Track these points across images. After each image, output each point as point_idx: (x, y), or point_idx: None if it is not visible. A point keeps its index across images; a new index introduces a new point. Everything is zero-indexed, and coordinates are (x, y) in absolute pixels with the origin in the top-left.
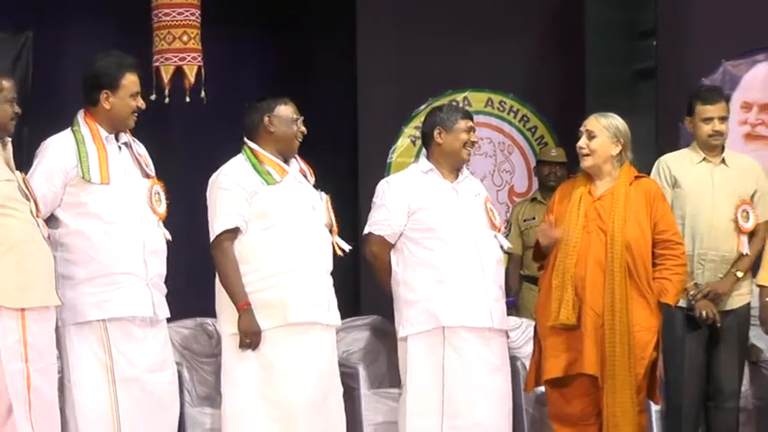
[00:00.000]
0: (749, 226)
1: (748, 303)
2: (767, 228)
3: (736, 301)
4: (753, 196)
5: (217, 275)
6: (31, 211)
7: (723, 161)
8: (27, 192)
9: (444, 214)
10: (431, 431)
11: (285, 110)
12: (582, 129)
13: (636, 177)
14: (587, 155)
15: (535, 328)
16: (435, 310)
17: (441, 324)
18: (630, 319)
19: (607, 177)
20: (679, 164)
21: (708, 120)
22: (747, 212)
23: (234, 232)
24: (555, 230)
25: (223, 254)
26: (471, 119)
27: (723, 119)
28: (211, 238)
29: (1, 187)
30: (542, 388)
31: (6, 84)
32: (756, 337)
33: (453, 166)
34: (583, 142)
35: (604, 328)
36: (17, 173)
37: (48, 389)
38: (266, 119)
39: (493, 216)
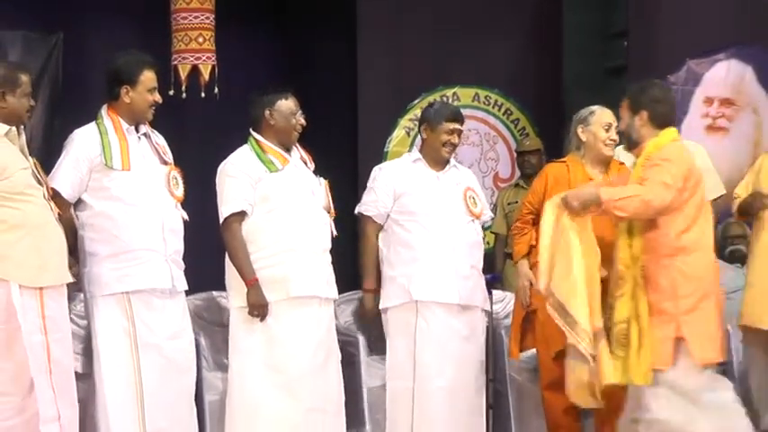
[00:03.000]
0: None
1: None
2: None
3: None
4: None
5: (226, 254)
6: (44, 195)
7: None
8: (40, 177)
9: (424, 200)
10: (406, 392)
11: (285, 104)
12: (611, 121)
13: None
14: (612, 147)
15: (516, 300)
16: (409, 286)
17: (413, 298)
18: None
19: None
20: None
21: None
22: None
23: (241, 215)
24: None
25: (231, 235)
26: (458, 121)
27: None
28: (221, 221)
29: (20, 175)
30: (528, 354)
31: (25, 78)
32: None
33: (435, 160)
34: (614, 135)
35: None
36: (30, 159)
37: (65, 357)
38: (267, 112)
39: (473, 204)
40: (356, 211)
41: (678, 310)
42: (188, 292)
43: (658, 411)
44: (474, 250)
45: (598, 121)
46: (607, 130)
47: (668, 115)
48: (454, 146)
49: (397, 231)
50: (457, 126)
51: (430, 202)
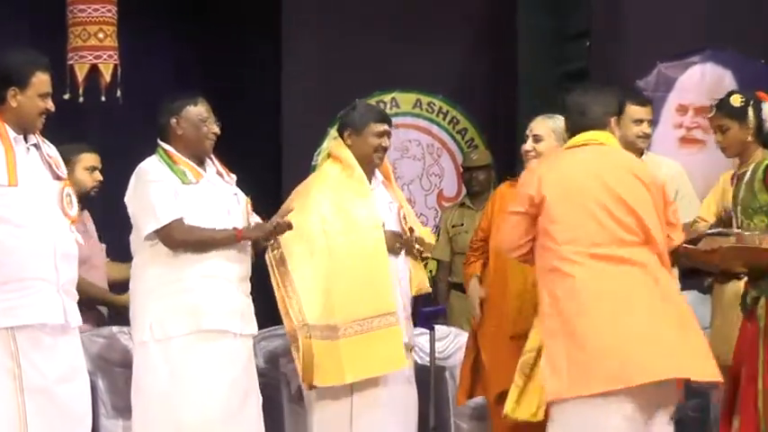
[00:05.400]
0: None
1: None
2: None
3: None
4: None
5: (132, 282)
6: None
7: None
8: None
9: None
10: None
11: (194, 110)
12: (528, 132)
13: None
14: (534, 158)
15: (469, 338)
16: None
17: None
18: None
19: None
20: None
21: (638, 121)
22: None
23: (180, 221)
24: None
25: (181, 234)
26: (387, 122)
27: (651, 122)
28: (150, 230)
29: None
30: (476, 401)
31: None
32: None
33: (365, 170)
34: (529, 145)
35: None
36: None
37: None
38: (174, 120)
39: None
40: None
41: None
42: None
43: None
44: (409, 281)
45: (529, 132)
46: (525, 141)
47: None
48: (385, 150)
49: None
50: (386, 127)
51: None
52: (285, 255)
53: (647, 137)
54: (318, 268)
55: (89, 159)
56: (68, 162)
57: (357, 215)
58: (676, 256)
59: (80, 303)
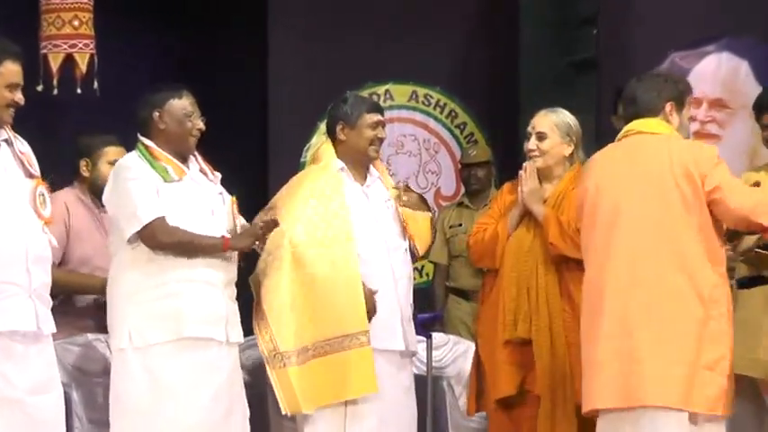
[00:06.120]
0: None
1: None
2: None
3: None
4: None
5: (109, 286)
6: None
7: None
8: None
9: (355, 222)
10: None
11: (177, 104)
12: (530, 128)
13: None
14: (538, 157)
15: (476, 349)
16: None
17: None
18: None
19: (556, 180)
20: None
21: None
22: None
23: (162, 219)
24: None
25: (165, 234)
26: (380, 112)
27: None
28: (133, 231)
29: None
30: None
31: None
32: None
33: (361, 165)
34: (533, 144)
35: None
36: None
37: None
38: (156, 114)
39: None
40: None
41: None
42: (56, 335)
43: None
44: (410, 283)
45: (531, 129)
46: (527, 139)
47: None
48: (381, 141)
49: None
50: (380, 117)
51: (362, 224)
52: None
53: None
54: (286, 283)
55: (114, 153)
56: (92, 154)
57: (328, 226)
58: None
59: (82, 309)
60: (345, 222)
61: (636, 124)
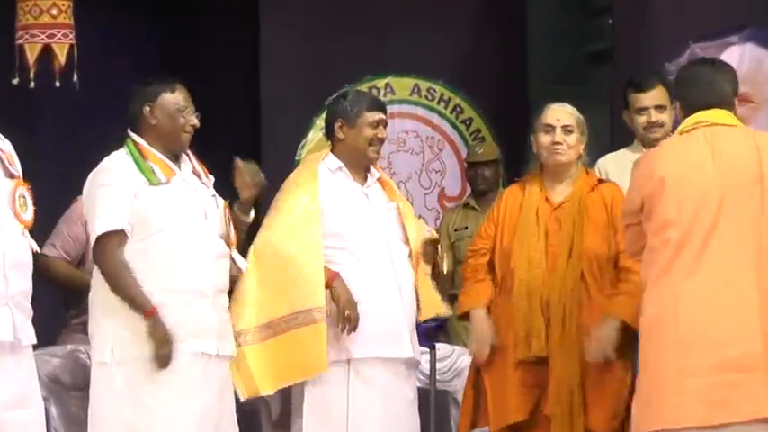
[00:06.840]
0: None
1: None
2: None
3: None
4: None
5: (92, 291)
6: None
7: None
8: None
9: (355, 224)
10: None
11: (170, 98)
12: (552, 121)
13: (599, 181)
14: (563, 153)
15: (472, 366)
16: (344, 339)
17: (351, 356)
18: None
19: (567, 180)
20: (618, 166)
21: (642, 110)
22: None
23: (119, 235)
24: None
25: (109, 258)
26: (382, 110)
27: (660, 107)
28: (91, 242)
29: None
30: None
31: None
32: None
33: (360, 165)
34: (560, 137)
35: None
36: None
37: None
38: (147, 109)
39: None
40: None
41: None
42: (37, 346)
43: None
44: (414, 291)
45: (540, 123)
46: (547, 132)
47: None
48: (382, 142)
49: None
50: (381, 116)
51: (363, 227)
52: None
53: (658, 125)
54: (253, 265)
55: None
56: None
57: (291, 211)
58: None
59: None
60: (313, 199)
61: (709, 115)
